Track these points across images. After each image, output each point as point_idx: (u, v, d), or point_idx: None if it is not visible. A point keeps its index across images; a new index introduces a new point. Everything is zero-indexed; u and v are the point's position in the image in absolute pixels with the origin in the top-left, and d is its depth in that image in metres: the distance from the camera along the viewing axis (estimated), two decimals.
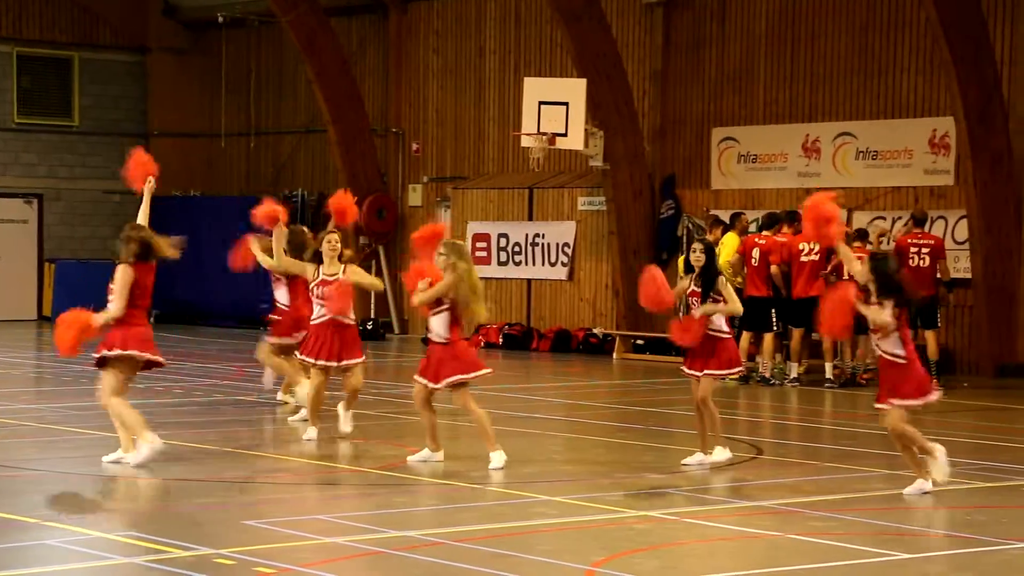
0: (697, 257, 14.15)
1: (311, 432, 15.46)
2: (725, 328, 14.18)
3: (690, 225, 26.34)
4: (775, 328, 21.74)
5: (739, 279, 21.59)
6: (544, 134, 25.06)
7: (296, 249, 16.26)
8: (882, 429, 13.17)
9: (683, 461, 14.12)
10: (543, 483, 13.22)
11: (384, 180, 31.44)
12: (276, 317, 17.44)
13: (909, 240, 21.64)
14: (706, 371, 14.03)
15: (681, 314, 14.42)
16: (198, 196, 33.51)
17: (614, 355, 26.14)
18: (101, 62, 34.28)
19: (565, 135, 25.05)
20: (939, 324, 21.67)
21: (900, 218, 23.27)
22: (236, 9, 32.32)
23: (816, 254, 21.41)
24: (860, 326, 13.27)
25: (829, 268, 21.16)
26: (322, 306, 15.37)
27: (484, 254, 28.61)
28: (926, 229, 21.96)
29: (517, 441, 15.76)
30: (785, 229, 21.93)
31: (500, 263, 28.67)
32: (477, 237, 28.74)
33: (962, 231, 23.27)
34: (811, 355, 22.35)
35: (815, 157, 25.29)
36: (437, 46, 30.74)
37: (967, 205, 22.94)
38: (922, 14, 23.28)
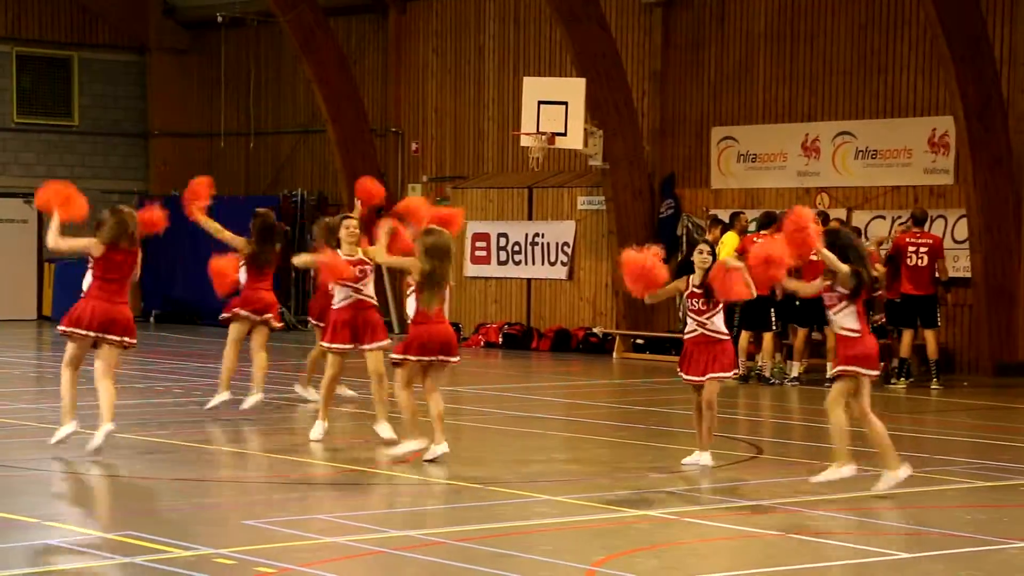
0: (704, 259, 14.11)
1: (317, 430, 15.28)
2: (723, 329, 14.17)
3: (690, 224, 26.34)
4: (774, 327, 21.74)
5: None
6: (543, 134, 25.04)
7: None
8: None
9: (683, 461, 14.12)
10: (543, 483, 13.22)
11: (383, 180, 31.40)
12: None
13: (907, 239, 21.64)
14: (710, 375, 14.01)
15: (681, 316, 14.39)
16: None
17: (614, 354, 26.13)
18: (100, 62, 34.27)
19: (564, 135, 25.03)
20: (939, 323, 21.69)
21: (900, 218, 23.26)
22: (235, 9, 32.29)
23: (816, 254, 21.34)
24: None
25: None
26: (349, 287, 15.20)
27: (484, 254, 28.58)
28: (925, 228, 21.95)
29: (517, 441, 15.78)
30: None
31: (500, 263, 28.63)
32: (477, 236, 28.71)
33: (962, 230, 23.26)
34: (812, 355, 22.34)
35: (815, 156, 25.27)
36: (436, 46, 30.72)
37: (967, 204, 22.94)
38: (921, 13, 23.27)
